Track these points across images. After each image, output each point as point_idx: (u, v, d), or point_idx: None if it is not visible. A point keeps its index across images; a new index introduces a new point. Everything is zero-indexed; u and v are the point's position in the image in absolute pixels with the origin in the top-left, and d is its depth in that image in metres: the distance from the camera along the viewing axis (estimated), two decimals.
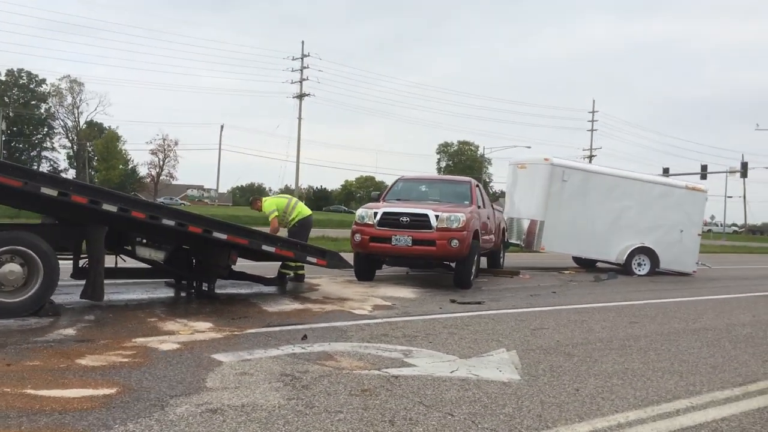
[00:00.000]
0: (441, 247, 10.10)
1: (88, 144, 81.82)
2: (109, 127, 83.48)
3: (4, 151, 79.45)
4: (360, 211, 10.92)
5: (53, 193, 6.30)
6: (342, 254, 9.05)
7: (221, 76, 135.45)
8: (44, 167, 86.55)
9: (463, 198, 11.75)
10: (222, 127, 72.55)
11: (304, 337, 5.95)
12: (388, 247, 10.32)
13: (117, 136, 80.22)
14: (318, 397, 4.15)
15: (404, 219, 10.32)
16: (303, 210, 10.47)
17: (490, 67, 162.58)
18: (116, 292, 8.21)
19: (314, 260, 8.52)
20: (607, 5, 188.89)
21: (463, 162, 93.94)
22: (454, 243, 10.10)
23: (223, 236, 7.46)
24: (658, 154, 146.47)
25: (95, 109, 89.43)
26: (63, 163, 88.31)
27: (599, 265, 17.20)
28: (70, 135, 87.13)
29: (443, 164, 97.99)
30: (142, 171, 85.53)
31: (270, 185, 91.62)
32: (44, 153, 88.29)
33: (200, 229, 7.29)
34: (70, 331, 5.79)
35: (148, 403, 3.86)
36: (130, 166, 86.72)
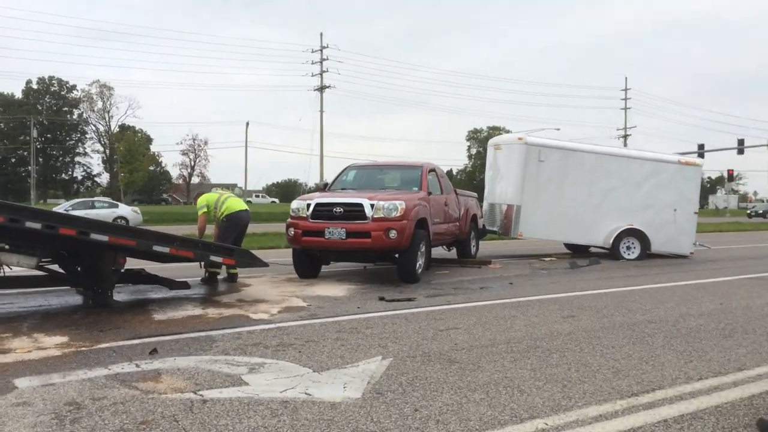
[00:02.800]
0: (377, 239, 9.35)
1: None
2: (134, 128, 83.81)
3: (40, 158, 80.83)
4: (294, 203, 10.25)
5: None
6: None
7: (247, 72, 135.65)
8: (78, 172, 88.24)
9: (413, 184, 10.98)
10: (247, 124, 71.26)
11: (154, 351, 5.33)
12: (321, 241, 9.62)
13: (141, 139, 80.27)
14: None
15: (338, 210, 9.60)
16: (233, 205, 9.89)
17: (520, 50, 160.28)
18: (8, 303, 7.72)
19: (220, 259, 7.93)
20: None
21: None
22: (392, 234, 9.34)
23: (104, 238, 6.82)
24: (695, 130, 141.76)
25: (125, 113, 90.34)
26: (97, 168, 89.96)
27: (593, 250, 16.26)
28: (102, 139, 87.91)
29: (474, 151, 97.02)
30: (174, 172, 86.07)
31: (303, 180, 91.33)
32: (78, 158, 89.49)
33: (74, 231, 6.66)
34: None
35: None
36: (158, 168, 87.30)
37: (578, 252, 16.02)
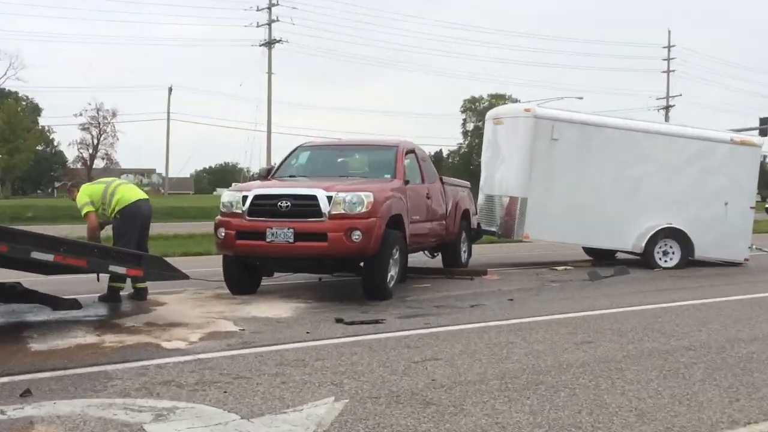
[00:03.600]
0: (336, 243, 9.31)
1: None
2: (16, 95, 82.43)
3: None
4: (225, 196, 10.24)
5: None
6: None
7: (170, 21, 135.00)
8: None
9: (385, 170, 10.99)
10: (170, 89, 70.68)
11: (26, 393, 5.25)
12: (262, 246, 9.56)
13: (25, 108, 79.24)
14: None
15: (284, 204, 9.54)
16: (126, 195, 9.68)
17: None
18: None
19: (123, 270, 7.86)
20: None
21: None
22: (356, 236, 9.31)
23: None
24: (756, 100, 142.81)
25: (5, 74, 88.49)
26: None
27: (620, 256, 16.44)
28: None
29: (470, 126, 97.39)
30: (71, 154, 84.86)
31: (244, 165, 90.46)
32: None
33: None
34: None
35: None
36: (48, 148, 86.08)
37: (601, 259, 16.19)
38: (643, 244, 14.93)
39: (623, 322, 8.43)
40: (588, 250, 16.98)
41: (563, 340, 7.29)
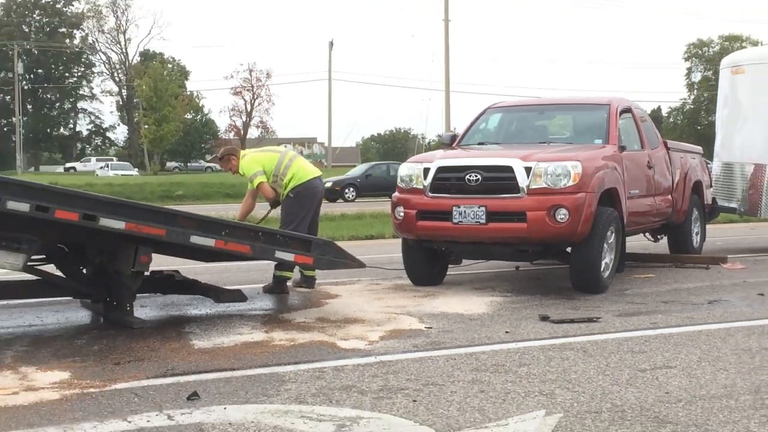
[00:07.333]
0: (537, 224, 9.29)
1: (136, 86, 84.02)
2: (161, 56, 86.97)
3: (28, 105, 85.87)
4: (403, 168, 10.41)
5: None
6: None
7: None
8: (83, 125, 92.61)
9: (595, 134, 10.81)
10: (331, 43, 72.65)
11: (194, 396, 5.58)
12: (447, 228, 9.69)
13: (172, 72, 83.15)
14: None
15: (473, 177, 9.60)
16: (301, 171, 10.05)
17: None
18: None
19: (290, 257, 8.15)
20: None
21: None
22: (561, 215, 9.25)
23: (119, 224, 7.19)
24: None
25: (149, 33, 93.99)
26: (110, 117, 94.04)
27: None
28: (116, 74, 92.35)
29: (697, 77, 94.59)
30: (223, 122, 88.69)
31: (419, 132, 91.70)
32: (81, 104, 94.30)
33: (76, 214, 7.05)
34: None
35: None
36: (198, 116, 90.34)
37: None
38: None
39: None
40: None
41: None
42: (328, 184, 35.13)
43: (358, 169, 49.63)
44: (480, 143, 11.23)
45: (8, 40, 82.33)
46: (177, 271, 9.14)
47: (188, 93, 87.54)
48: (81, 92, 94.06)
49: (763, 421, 4.95)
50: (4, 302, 8.92)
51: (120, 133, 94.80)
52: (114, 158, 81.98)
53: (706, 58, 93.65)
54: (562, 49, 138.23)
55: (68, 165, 79.71)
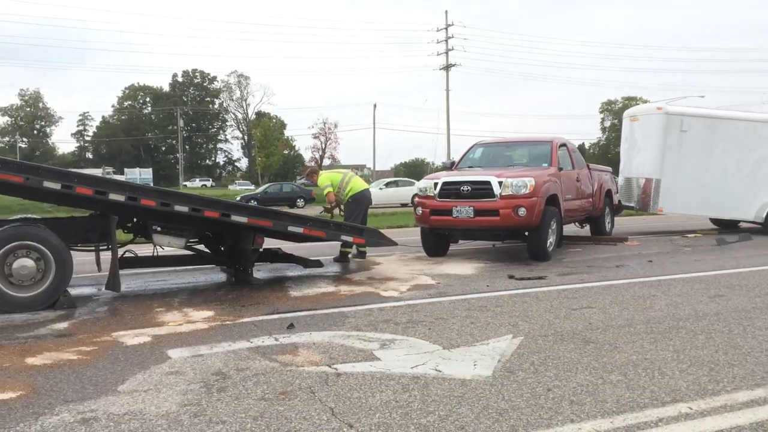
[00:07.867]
0: (506, 217, 9.20)
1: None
2: (269, 115, 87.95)
3: (186, 146, 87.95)
4: (421, 183, 10.34)
5: (56, 186, 6.38)
6: None
7: (373, 56, 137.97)
8: (220, 158, 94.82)
9: (543, 160, 10.66)
10: (375, 105, 72.35)
11: (291, 326, 5.58)
12: (449, 220, 9.62)
13: (275, 124, 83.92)
14: (221, 402, 3.71)
15: (465, 188, 9.53)
16: (356, 185, 10.10)
17: (664, 15, 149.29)
18: (162, 281, 8.41)
19: (350, 238, 8.14)
20: None
21: None
22: (521, 211, 9.15)
23: (243, 219, 7.23)
24: None
25: (261, 100, 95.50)
26: (237, 153, 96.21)
27: (744, 225, 15.06)
28: (240, 126, 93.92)
29: (607, 123, 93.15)
30: (307, 155, 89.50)
31: (429, 159, 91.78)
32: (219, 145, 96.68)
33: (217, 213, 7.11)
34: (61, 326, 5.82)
35: (32, 410, 3.64)
36: (291, 152, 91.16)
37: (726, 228, 14.91)
38: (764, 215, 13.65)
39: (750, 279, 7.75)
40: (714, 221, 15.71)
41: (698, 294, 6.81)
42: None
43: (260, 188, 45.69)
44: (470, 167, 11.11)
45: (173, 105, 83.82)
46: (280, 248, 9.17)
47: (286, 137, 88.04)
48: (219, 137, 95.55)
49: (652, 341, 4.88)
50: (174, 268, 9.04)
51: (243, 163, 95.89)
52: (239, 179, 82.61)
53: (613, 111, 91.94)
54: (519, 108, 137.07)
55: (200, 182, 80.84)
